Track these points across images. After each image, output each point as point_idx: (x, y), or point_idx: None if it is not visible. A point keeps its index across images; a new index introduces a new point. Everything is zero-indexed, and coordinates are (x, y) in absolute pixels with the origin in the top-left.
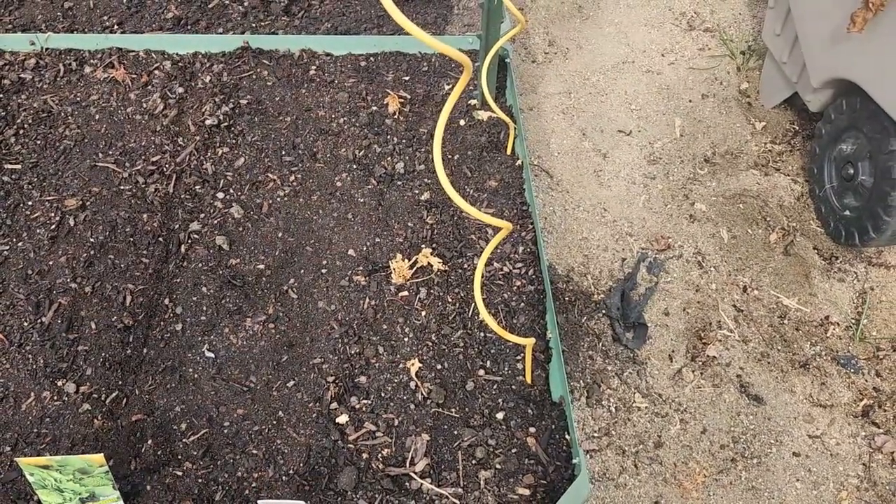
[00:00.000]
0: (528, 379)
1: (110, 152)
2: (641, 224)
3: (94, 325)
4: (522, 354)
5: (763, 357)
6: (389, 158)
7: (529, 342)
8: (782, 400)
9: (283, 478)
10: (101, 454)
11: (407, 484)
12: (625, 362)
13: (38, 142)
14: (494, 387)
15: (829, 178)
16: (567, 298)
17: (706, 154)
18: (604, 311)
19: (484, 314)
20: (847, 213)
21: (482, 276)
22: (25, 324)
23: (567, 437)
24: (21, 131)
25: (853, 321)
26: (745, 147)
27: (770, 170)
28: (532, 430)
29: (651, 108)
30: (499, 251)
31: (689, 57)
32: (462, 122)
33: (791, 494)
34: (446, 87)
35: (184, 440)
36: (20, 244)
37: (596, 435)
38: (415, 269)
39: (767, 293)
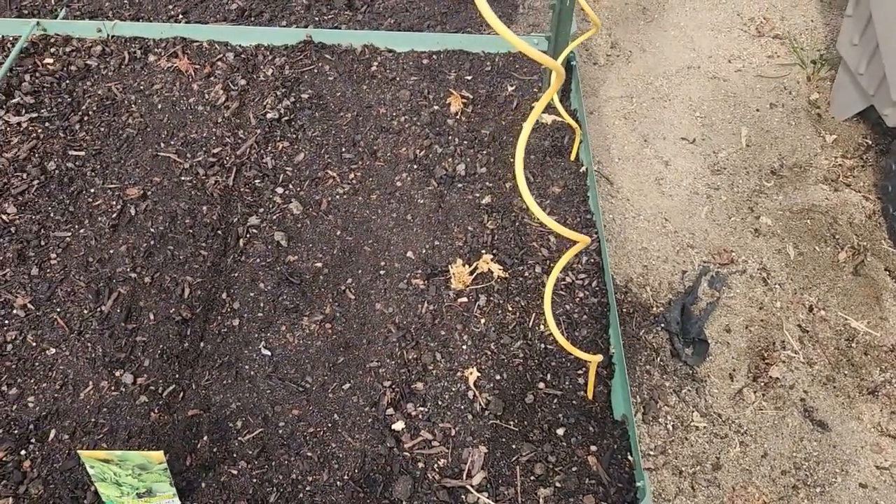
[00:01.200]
0: (590, 395)
1: (172, 142)
2: (704, 236)
3: (152, 316)
4: (584, 369)
5: (829, 381)
6: (450, 160)
7: (596, 359)
8: (849, 427)
9: (338, 483)
10: (161, 452)
11: (463, 497)
12: (683, 379)
13: (102, 129)
14: (555, 401)
15: None
16: (625, 310)
17: (773, 166)
18: (663, 325)
19: (553, 329)
20: None
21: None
22: (85, 311)
23: (630, 457)
24: (86, 118)
25: None
26: (814, 160)
27: (840, 185)
28: (593, 448)
29: (716, 116)
30: None
31: (758, 64)
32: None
33: None
34: (509, 89)
35: (239, 438)
36: (82, 231)
37: (652, 453)
38: (475, 275)
39: (835, 314)
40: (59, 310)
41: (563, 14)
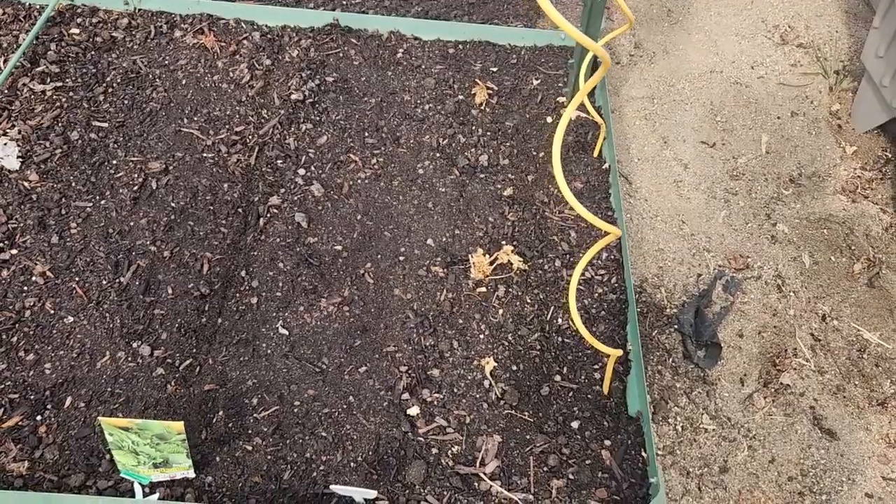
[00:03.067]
0: (606, 390)
1: (195, 118)
2: (720, 240)
3: (170, 290)
4: (600, 364)
5: (839, 390)
6: (473, 150)
7: (616, 353)
8: (857, 437)
9: (352, 464)
10: (181, 422)
11: (476, 484)
12: (694, 381)
13: (126, 101)
14: (570, 394)
15: None
16: (639, 310)
17: (792, 174)
18: (676, 327)
19: (576, 320)
20: None
21: (572, 285)
22: (104, 282)
23: (644, 453)
24: (110, 90)
25: None
26: (833, 171)
27: (858, 197)
28: (607, 442)
29: (737, 122)
30: (580, 255)
31: (780, 72)
32: (549, 119)
33: None
34: (535, 82)
35: (254, 415)
36: (103, 202)
37: (660, 453)
38: (494, 265)
39: (848, 324)
40: (77, 279)
41: (595, 9)
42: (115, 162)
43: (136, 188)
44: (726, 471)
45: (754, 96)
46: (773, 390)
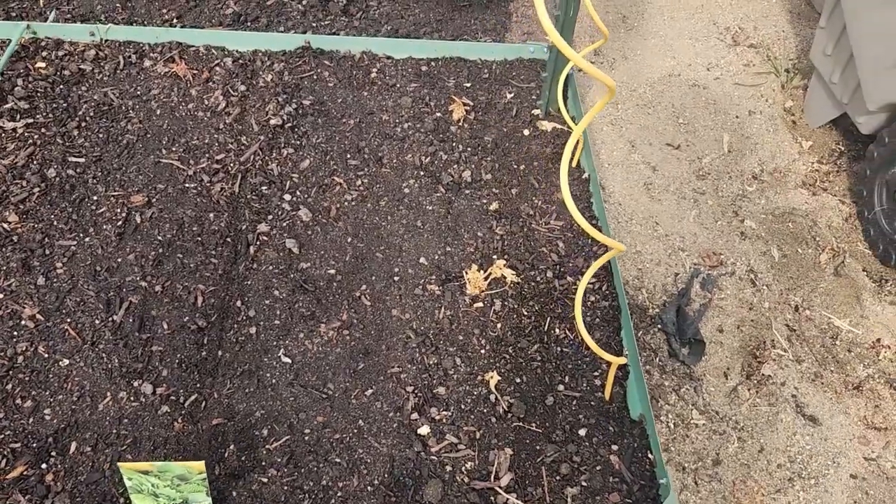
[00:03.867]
0: (608, 396)
1: (174, 149)
2: (693, 239)
3: (166, 326)
4: (599, 370)
5: (817, 377)
6: (456, 166)
7: (619, 361)
8: (837, 421)
9: (369, 488)
10: (202, 462)
11: (492, 498)
12: (681, 378)
13: (101, 135)
14: (574, 402)
15: (880, 200)
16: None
17: (754, 171)
18: (660, 327)
19: (583, 332)
20: None
21: (578, 296)
22: (97, 321)
23: (650, 455)
24: (83, 124)
25: None
26: (792, 166)
27: (818, 189)
28: (614, 447)
29: (698, 123)
30: (570, 264)
31: (735, 72)
32: (526, 132)
33: None
34: (508, 96)
35: (266, 446)
36: (87, 240)
37: None
38: (488, 280)
39: (819, 314)
40: (69, 320)
41: (567, 24)
42: (95, 198)
43: (119, 223)
44: (719, 463)
45: (713, 97)
46: (755, 382)
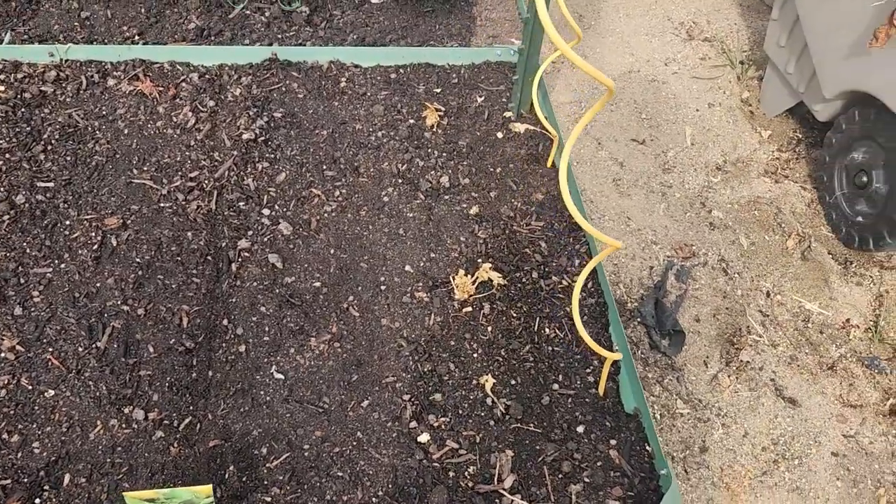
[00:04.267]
0: (602, 391)
1: (145, 168)
2: (664, 232)
3: (152, 349)
4: (591, 367)
5: (792, 360)
6: (433, 172)
7: (615, 356)
8: (815, 402)
9: (374, 499)
10: (209, 486)
11: (497, 501)
12: (664, 369)
13: (68, 158)
14: (569, 400)
15: (840, 185)
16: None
17: (718, 162)
18: (639, 320)
19: (581, 330)
20: (860, 219)
21: (575, 295)
22: (80, 349)
23: (648, 447)
24: (49, 147)
25: (872, 323)
26: (753, 155)
27: (780, 177)
28: (612, 442)
29: (661, 118)
30: (554, 264)
31: (692, 66)
32: (500, 135)
33: (833, 493)
34: (479, 100)
35: (267, 465)
36: (63, 266)
37: None
38: (476, 284)
39: (790, 298)
40: (51, 349)
41: (536, 27)
42: (68, 222)
43: (95, 247)
44: (706, 450)
45: (672, 91)
46: (735, 368)
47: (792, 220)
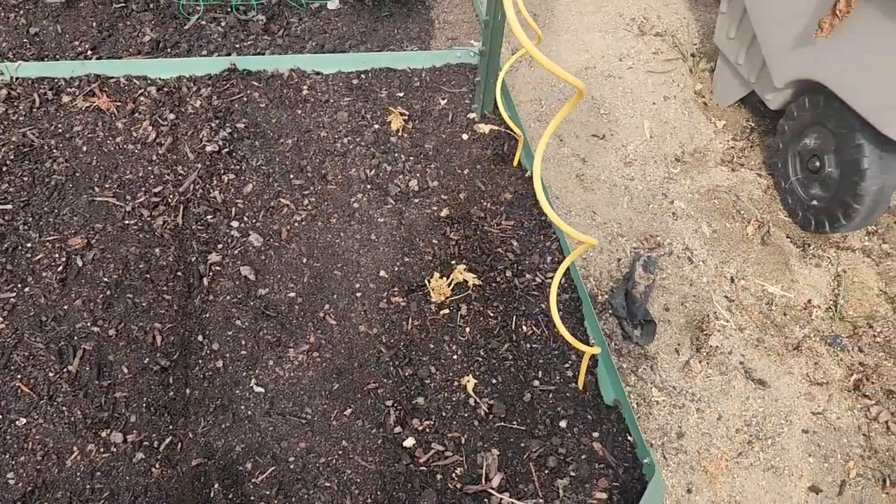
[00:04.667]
0: (581, 385)
1: (107, 185)
2: (629, 224)
3: (126, 370)
4: (569, 361)
5: (759, 343)
6: (401, 176)
7: (594, 350)
8: (784, 382)
9: None
10: None
11: (486, 500)
12: (637, 359)
13: (25, 178)
14: (550, 396)
15: (794, 171)
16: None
17: (676, 154)
18: (611, 312)
19: (559, 325)
20: (815, 202)
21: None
22: (51, 374)
23: (630, 438)
24: (4, 168)
25: (832, 302)
26: (710, 145)
27: (736, 165)
28: (595, 434)
29: (619, 112)
30: (527, 262)
31: (645, 61)
32: (465, 137)
33: (806, 469)
34: (442, 102)
35: (252, 480)
36: (27, 290)
37: None
38: (451, 286)
39: (753, 282)
40: (20, 376)
41: (496, 29)
42: (29, 244)
43: (60, 269)
44: (682, 436)
45: (628, 86)
46: (705, 354)
47: (750, 206)
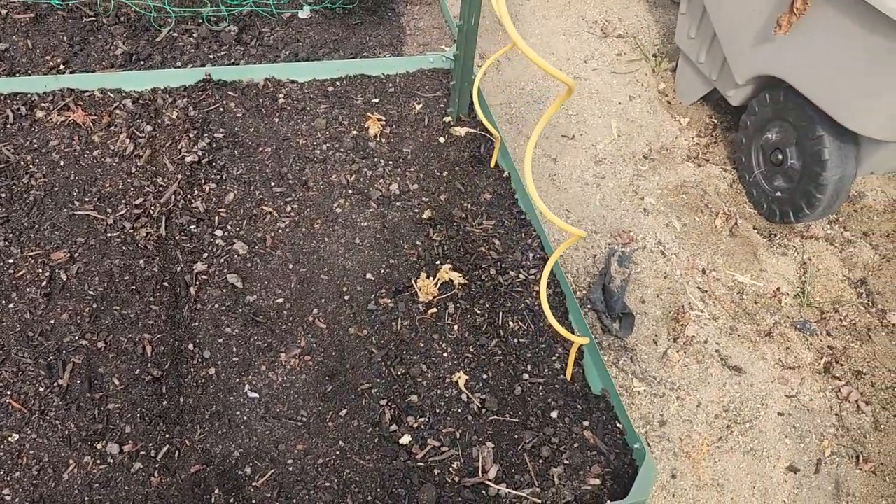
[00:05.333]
0: (569, 376)
1: (87, 199)
2: (602, 221)
3: (117, 381)
4: (556, 354)
5: (733, 331)
6: (382, 180)
7: (582, 341)
8: (758, 367)
9: None
10: None
11: (485, 492)
12: (618, 351)
13: (3, 194)
14: (540, 388)
15: (758, 164)
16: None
17: (644, 151)
18: (589, 306)
19: (550, 318)
20: (779, 194)
21: (542, 285)
22: (41, 389)
23: (619, 425)
24: None
25: (799, 290)
26: (676, 142)
27: (702, 161)
28: (585, 423)
29: (587, 113)
30: (510, 259)
31: (609, 62)
32: (442, 140)
33: (784, 451)
34: (417, 107)
35: (253, 484)
36: (11, 306)
37: None
38: (438, 285)
39: (724, 273)
40: (9, 392)
41: (469, 33)
42: (11, 260)
43: (44, 283)
44: (665, 423)
45: (594, 87)
46: (682, 343)
47: (717, 200)
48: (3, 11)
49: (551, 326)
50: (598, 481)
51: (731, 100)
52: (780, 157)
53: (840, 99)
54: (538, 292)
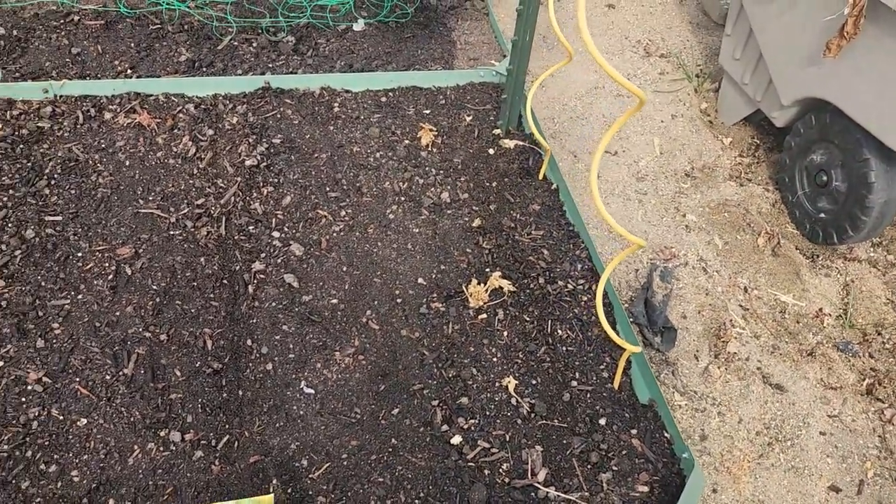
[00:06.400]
0: (617, 385)
1: (150, 198)
2: (644, 236)
3: (179, 373)
4: (604, 363)
5: (775, 349)
6: (433, 189)
7: (634, 349)
8: (800, 386)
9: (416, 501)
10: (271, 495)
11: (534, 494)
12: (659, 365)
13: (73, 191)
14: (588, 395)
15: (802, 185)
16: None
17: (686, 169)
18: (632, 320)
19: (605, 325)
20: (822, 215)
21: (598, 293)
22: (108, 377)
23: (667, 434)
24: (52, 182)
25: (841, 311)
26: (718, 161)
27: (744, 180)
28: (633, 431)
29: (629, 130)
30: (559, 269)
31: (652, 80)
32: (491, 152)
33: (826, 470)
34: (467, 119)
35: (309, 476)
36: (80, 297)
37: None
38: (488, 292)
39: (766, 292)
40: (78, 379)
41: (523, 48)
42: (80, 254)
43: (110, 277)
44: (706, 438)
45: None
46: (723, 360)
47: (759, 219)
48: (76, 18)
49: (599, 336)
50: (646, 488)
51: (776, 121)
52: (824, 178)
53: (887, 122)
54: (586, 302)
